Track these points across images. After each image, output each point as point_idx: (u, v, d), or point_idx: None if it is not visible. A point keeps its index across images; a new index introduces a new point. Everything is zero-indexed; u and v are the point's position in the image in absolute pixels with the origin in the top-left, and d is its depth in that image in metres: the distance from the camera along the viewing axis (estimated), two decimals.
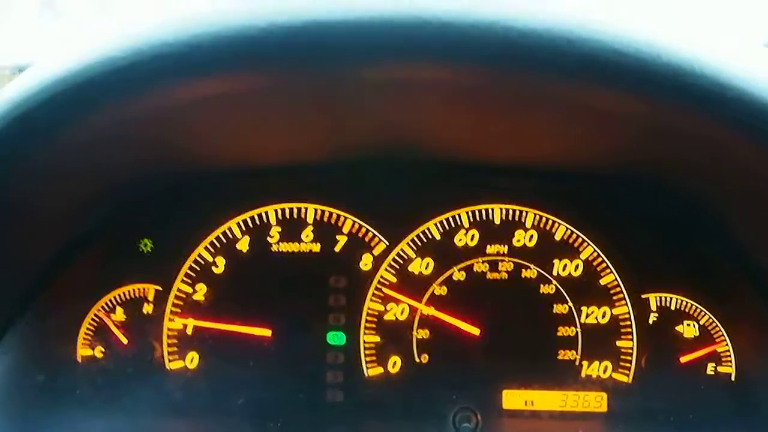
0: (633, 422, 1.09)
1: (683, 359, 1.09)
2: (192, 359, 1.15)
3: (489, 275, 1.13)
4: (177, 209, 1.16)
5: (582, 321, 1.11)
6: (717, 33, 0.71)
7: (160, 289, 1.15)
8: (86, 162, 0.88)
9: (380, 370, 1.13)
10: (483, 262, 1.13)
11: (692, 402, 1.08)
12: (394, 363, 1.13)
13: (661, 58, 0.64)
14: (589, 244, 1.12)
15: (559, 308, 1.11)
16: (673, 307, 1.10)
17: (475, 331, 1.11)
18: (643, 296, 1.11)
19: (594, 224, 1.12)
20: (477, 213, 1.13)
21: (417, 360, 1.13)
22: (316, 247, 1.15)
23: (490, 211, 1.13)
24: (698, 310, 1.10)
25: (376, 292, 1.14)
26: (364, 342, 1.13)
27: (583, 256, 1.12)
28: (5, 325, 1.08)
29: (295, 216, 1.15)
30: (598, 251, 1.11)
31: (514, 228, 1.13)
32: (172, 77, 0.68)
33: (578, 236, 1.12)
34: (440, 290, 1.13)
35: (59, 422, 1.08)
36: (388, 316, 1.14)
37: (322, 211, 1.15)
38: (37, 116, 0.71)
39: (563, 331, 1.11)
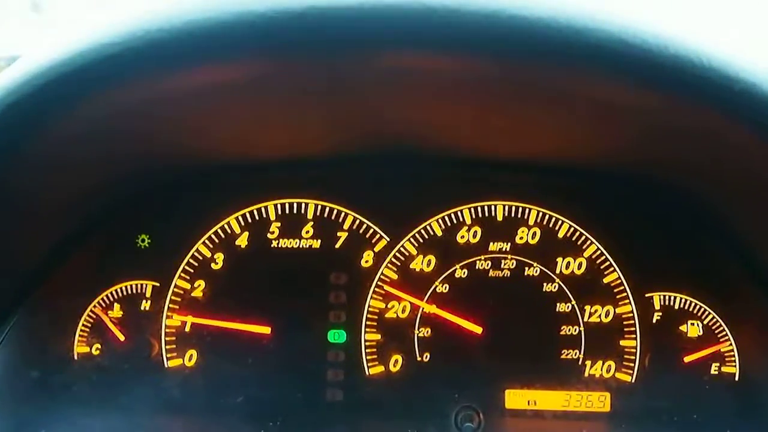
0: (636, 422, 1.08)
1: (687, 359, 1.08)
2: (190, 357, 1.13)
3: (491, 273, 1.12)
4: (175, 204, 1.15)
5: (585, 320, 1.10)
6: (725, 25, 0.71)
7: (158, 285, 1.14)
8: (82, 155, 0.86)
9: (381, 368, 1.12)
10: (485, 259, 1.12)
11: (696, 402, 1.07)
12: (396, 361, 1.12)
13: (668, 50, 0.63)
14: (592, 242, 1.11)
15: (562, 307, 1.11)
16: (676, 307, 1.10)
17: (478, 329, 1.10)
18: (647, 295, 1.10)
19: (598, 222, 1.11)
20: (479, 209, 1.12)
21: (418, 358, 1.12)
22: (317, 244, 1.14)
23: (492, 207, 1.12)
24: (702, 310, 1.09)
25: (377, 289, 1.13)
26: (365, 340, 1.12)
27: (587, 254, 1.11)
28: (0, 320, 1.06)
29: (295, 211, 1.14)
30: (602, 249, 1.10)
31: (517, 225, 1.12)
32: (166, 65, 0.66)
33: (582, 234, 1.11)
34: (442, 288, 1.12)
35: (54, 420, 1.06)
36: (389, 314, 1.13)
37: (323, 207, 1.14)
38: (29, 104, 0.69)
39: (566, 330, 1.10)
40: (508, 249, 1.12)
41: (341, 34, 0.64)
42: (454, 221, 1.13)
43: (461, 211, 1.12)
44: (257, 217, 1.14)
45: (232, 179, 1.15)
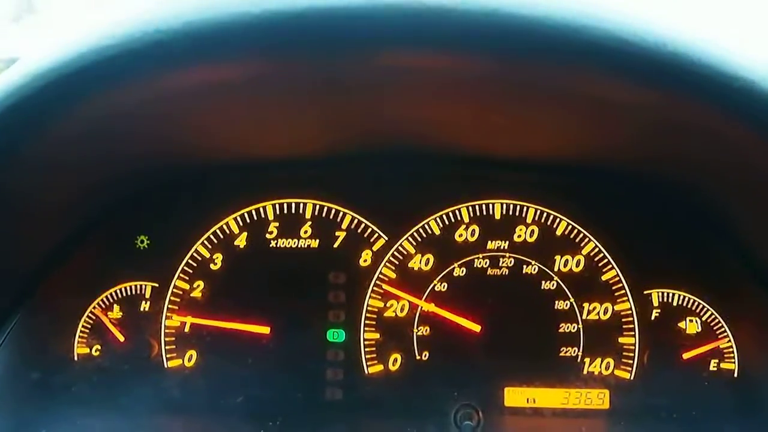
0: (635, 419, 1.08)
1: (686, 356, 1.09)
2: (190, 357, 1.13)
3: (490, 271, 1.12)
4: (174, 205, 1.15)
5: (584, 317, 1.10)
6: (723, 23, 0.71)
7: (157, 286, 1.14)
8: (81, 155, 0.86)
9: (380, 367, 1.12)
10: (483, 257, 1.12)
11: (694, 398, 1.07)
12: (395, 360, 1.12)
13: (667, 47, 0.63)
14: (590, 240, 1.11)
15: (560, 304, 1.11)
16: (675, 303, 1.10)
17: (476, 327, 1.10)
18: (645, 292, 1.10)
19: (596, 219, 1.11)
20: (477, 208, 1.12)
21: (417, 357, 1.12)
22: (315, 243, 1.14)
23: (490, 206, 1.12)
24: (700, 306, 1.09)
25: (375, 288, 1.13)
26: (364, 339, 1.12)
27: (585, 251, 1.11)
28: (0, 321, 1.06)
29: (294, 211, 1.14)
30: (600, 247, 1.11)
31: (515, 223, 1.12)
32: (165, 65, 0.66)
33: (580, 232, 1.11)
34: (440, 286, 1.12)
35: (55, 420, 1.06)
36: (388, 313, 1.13)
37: (321, 207, 1.14)
38: (29, 106, 0.70)
39: (565, 327, 1.10)
40: (506, 247, 1.12)
41: (339, 34, 0.64)
42: (452, 220, 1.13)
43: (459, 209, 1.12)
44: (256, 218, 1.14)
45: (230, 180, 1.15)
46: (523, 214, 1.12)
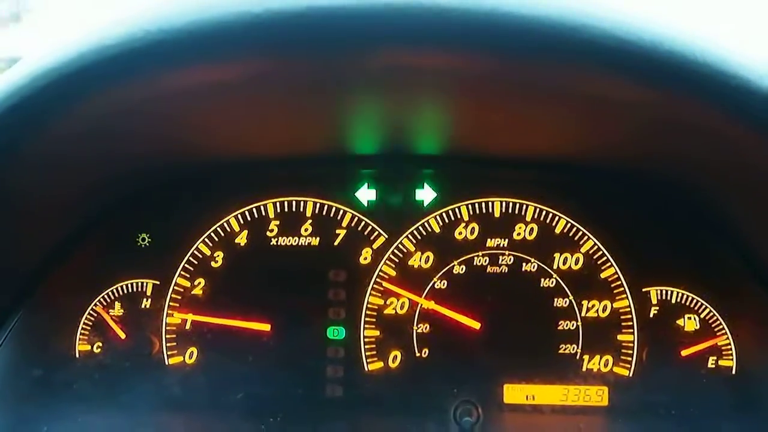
0: (634, 416, 1.08)
1: (684, 353, 1.09)
2: (191, 354, 1.14)
3: (489, 269, 1.12)
4: (174, 203, 1.16)
5: (583, 315, 1.11)
6: (721, 21, 0.71)
7: (159, 283, 1.14)
8: (82, 154, 0.87)
9: (380, 364, 1.13)
10: (483, 255, 1.12)
11: (693, 395, 1.08)
12: (395, 357, 1.13)
13: (663, 46, 0.64)
14: (589, 238, 1.11)
15: (559, 302, 1.11)
16: (673, 301, 1.10)
17: (476, 325, 1.11)
18: (644, 290, 1.10)
19: (594, 217, 1.11)
20: (477, 206, 1.13)
21: (417, 354, 1.12)
22: (315, 241, 1.14)
23: (490, 204, 1.13)
24: (699, 304, 1.10)
25: (375, 286, 1.13)
26: (364, 336, 1.13)
27: (584, 249, 1.11)
28: (2, 319, 1.07)
29: (294, 209, 1.15)
30: (599, 245, 1.11)
31: (515, 221, 1.12)
32: (167, 65, 0.67)
33: (579, 229, 1.11)
34: (440, 284, 1.13)
35: (56, 417, 1.07)
36: (388, 311, 1.13)
37: (321, 205, 1.14)
38: (30, 106, 0.70)
39: (564, 325, 1.11)
40: (505, 245, 1.12)
41: (340, 33, 0.64)
42: (452, 218, 1.13)
43: (459, 207, 1.13)
44: (256, 216, 1.15)
45: (231, 178, 1.15)
46: (523, 212, 1.12)
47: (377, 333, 1.13)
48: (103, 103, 0.72)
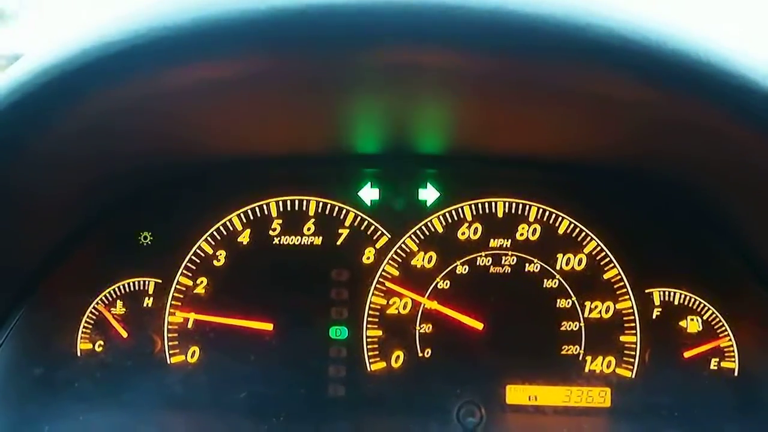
0: (636, 417, 1.08)
1: (686, 354, 1.09)
2: (193, 353, 1.14)
3: (492, 269, 1.12)
4: (176, 201, 1.15)
5: (585, 315, 1.11)
6: (724, 21, 0.71)
7: (161, 282, 1.14)
8: (84, 151, 0.87)
9: (383, 364, 1.12)
10: (486, 255, 1.12)
11: (695, 397, 1.08)
12: (397, 357, 1.12)
13: (668, 45, 0.64)
14: (592, 239, 1.11)
15: (562, 303, 1.11)
16: (676, 302, 1.10)
17: (478, 325, 1.11)
18: (647, 291, 1.10)
19: (597, 218, 1.11)
20: (480, 206, 1.13)
21: (420, 354, 1.12)
22: (318, 240, 1.14)
23: (493, 204, 1.13)
24: (701, 305, 1.10)
25: (378, 285, 1.13)
26: (367, 336, 1.13)
27: (587, 250, 1.11)
28: (3, 318, 1.06)
29: (297, 208, 1.14)
30: (602, 245, 1.11)
31: (518, 221, 1.12)
32: (171, 62, 0.67)
33: (582, 230, 1.11)
34: (443, 284, 1.12)
35: (58, 416, 1.06)
36: (390, 310, 1.13)
37: (324, 204, 1.14)
38: (33, 103, 0.70)
39: (567, 325, 1.11)
40: (508, 245, 1.12)
41: (341, 31, 0.64)
42: (455, 218, 1.13)
43: (462, 207, 1.13)
44: (259, 214, 1.15)
45: (233, 176, 1.15)
46: (526, 213, 1.12)
47: (380, 333, 1.13)
48: (105, 100, 0.72)
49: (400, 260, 1.13)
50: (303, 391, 1.12)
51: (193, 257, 1.14)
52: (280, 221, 1.14)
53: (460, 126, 0.99)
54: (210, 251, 1.14)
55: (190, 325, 1.14)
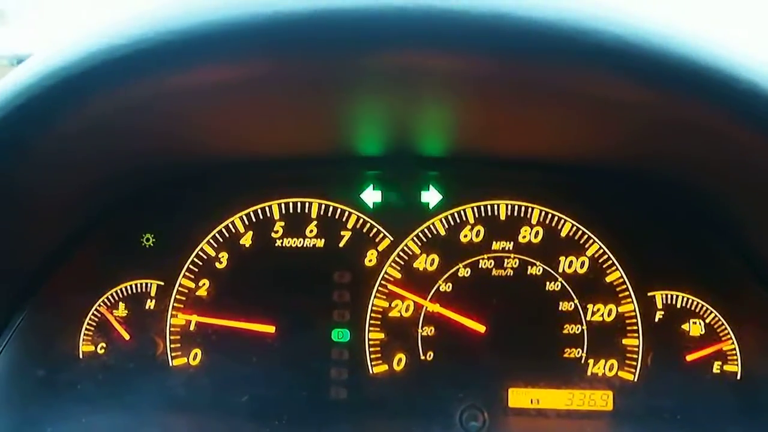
0: (639, 421, 1.08)
1: (689, 357, 1.09)
2: (195, 355, 1.14)
3: (494, 272, 1.12)
4: (179, 203, 1.15)
5: (588, 319, 1.10)
6: (728, 24, 0.71)
7: (163, 284, 1.14)
8: (87, 152, 0.87)
9: (385, 367, 1.12)
10: (488, 258, 1.12)
11: (698, 400, 1.08)
12: (399, 360, 1.12)
13: (671, 48, 0.64)
14: (594, 241, 1.11)
15: (564, 306, 1.11)
16: (679, 305, 1.10)
17: (481, 328, 1.11)
18: (649, 294, 1.10)
19: (600, 221, 1.11)
20: (482, 209, 1.13)
21: (422, 357, 1.12)
22: (320, 243, 1.14)
23: (495, 206, 1.12)
24: (704, 308, 1.10)
25: (380, 288, 1.13)
26: (369, 339, 1.13)
27: (589, 253, 1.11)
28: (5, 319, 1.07)
29: (299, 210, 1.14)
30: (604, 248, 1.11)
31: (520, 224, 1.12)
32: (176, 65, 0.67)
33: (584, 233, 1.11)
34: (445, 287, 1.12)
35: (60, 418, 1.06)
36: (392, 313, 1.13)
37: (327, 206, 1.14)
38: (38, 104, 0.70)
39: (569, 328, 1.11)
40: (511, 248, 1.12)
41: (344, 35, 0.64)
42: (457, 220, 1.13)
43: (464, 210, 1.13)
44: (261, 217, 1.15)
45: (236, 178, 1.15)
46: (528, 215, 1.12)
47: (382, 335, 1.13)
48: (110, 103, 0.72)
49: (402, 263, 1.13)
50: (305, 393, 1.12)
51: (195, 259, 1.14)
52: (283, 223, 1.14)
53: (462, 128, 0.99)
54: (212, 253, 1.14)
55: (192, 328, 1.14)
